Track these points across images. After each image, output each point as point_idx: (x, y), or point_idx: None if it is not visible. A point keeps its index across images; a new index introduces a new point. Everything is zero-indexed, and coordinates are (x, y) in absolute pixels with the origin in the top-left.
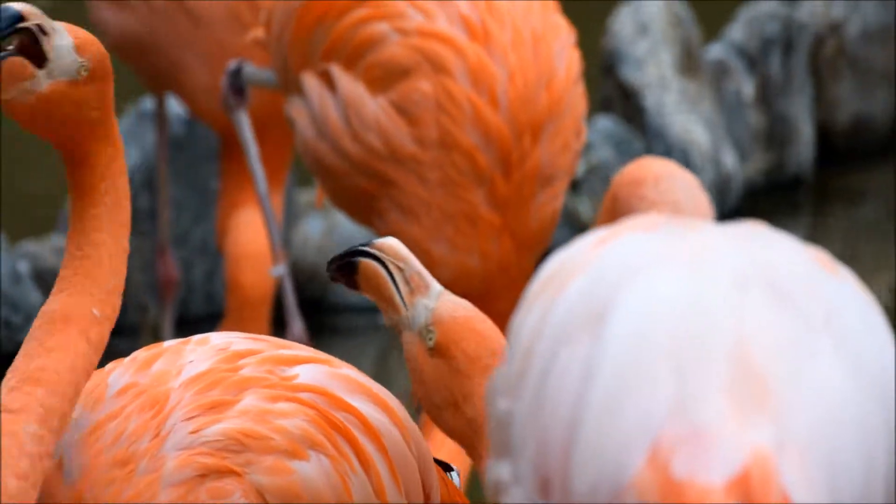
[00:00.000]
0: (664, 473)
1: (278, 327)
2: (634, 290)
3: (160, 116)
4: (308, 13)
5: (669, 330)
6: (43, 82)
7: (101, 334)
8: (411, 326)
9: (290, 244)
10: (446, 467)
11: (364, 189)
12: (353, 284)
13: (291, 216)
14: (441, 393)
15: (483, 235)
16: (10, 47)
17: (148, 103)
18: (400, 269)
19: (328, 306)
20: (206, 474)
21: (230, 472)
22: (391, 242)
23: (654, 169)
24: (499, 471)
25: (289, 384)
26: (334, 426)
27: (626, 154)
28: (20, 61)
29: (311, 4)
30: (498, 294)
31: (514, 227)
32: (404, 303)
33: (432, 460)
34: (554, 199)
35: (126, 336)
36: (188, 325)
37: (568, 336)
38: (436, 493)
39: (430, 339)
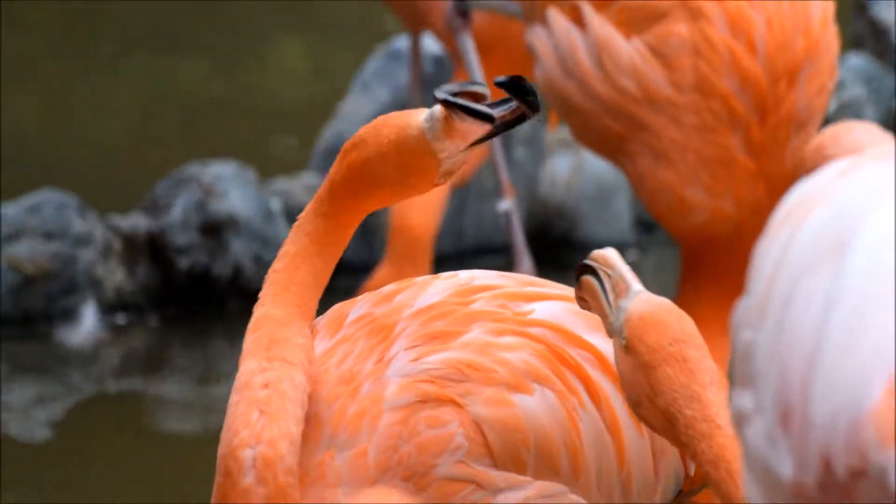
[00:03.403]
0: None
1: (508, 267)
2: (876, 220)
3: (415, 54)
4: None
5: None
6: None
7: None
8: (615, 331)
9: (538, 181)
10: None
11: (614, 130)
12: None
13: (540, 153)
14: (635, 389)
15: (738, 180)
16: None
17: (398, 43)
18: (608, 276)
19: (576, 243)
20: (425, 401)
21: (449, 402)
22: (606, 253)
23: (830, 131)
24: (740, 401)
25: (520, 319)
26: (563, 361)
27: (877, 92)
28: None
29: None
30: (750, 237)
31: (768, 172)
32: (611, 309)
33: None
34: (807, 142)
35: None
36: (435, 263)
37: (809, 267)
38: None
39: (623, 339)
